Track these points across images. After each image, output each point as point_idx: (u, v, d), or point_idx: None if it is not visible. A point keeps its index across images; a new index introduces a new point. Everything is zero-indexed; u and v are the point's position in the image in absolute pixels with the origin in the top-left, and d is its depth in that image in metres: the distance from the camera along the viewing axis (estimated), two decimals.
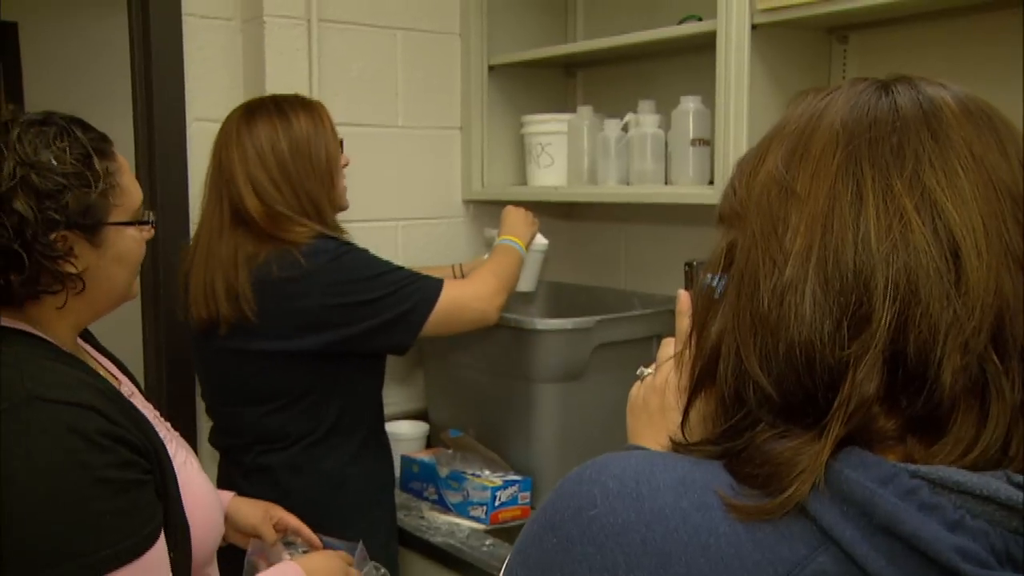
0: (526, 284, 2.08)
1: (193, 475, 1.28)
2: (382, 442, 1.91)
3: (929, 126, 0.60)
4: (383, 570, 1.54)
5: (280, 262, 1.66)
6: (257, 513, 1.57)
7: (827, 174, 0.60)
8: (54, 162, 1.12)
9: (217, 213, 1.73)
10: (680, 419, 0.67)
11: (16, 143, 1.10)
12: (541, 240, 2.09)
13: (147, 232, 1.27)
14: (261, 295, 1.66)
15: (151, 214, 1.28)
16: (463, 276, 2.19)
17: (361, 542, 1.56)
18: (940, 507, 0.53)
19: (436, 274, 1.82)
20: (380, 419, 1.90)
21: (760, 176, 0.64)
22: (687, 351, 0.68)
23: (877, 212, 0.58)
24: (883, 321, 0.56)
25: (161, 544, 1.10)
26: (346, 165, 1.83)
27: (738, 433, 0.61)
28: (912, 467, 0.55)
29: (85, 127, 1.19)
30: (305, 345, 1.68)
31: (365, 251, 1.74)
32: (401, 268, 1.76)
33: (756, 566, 0.55)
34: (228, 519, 1.54)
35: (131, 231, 1.22)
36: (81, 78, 3.95)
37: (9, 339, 1.11)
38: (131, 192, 1.23)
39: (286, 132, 1.72)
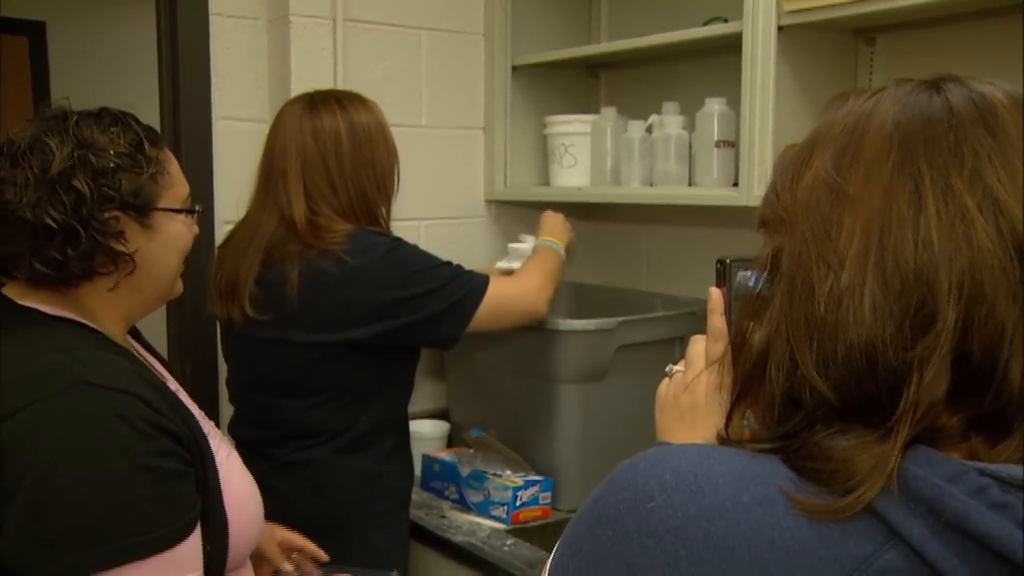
0: None
1: (235, 472, 1.28)
2: (408, 443, 1.92)
3: (985, 123, 0.59)
4: None
5: (334, 256, 1.66)
6: (264, 540, 1.51)
7: (881, 175, 0.59)
8: (109, 145, 1.17)
9: (259, 207, 1.75)
10: (719, 419, 0.66)
11: (74, 127, 1.16)
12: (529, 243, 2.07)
13: (194, 226, 1.30)
14: (312, 286, 1.66)
15: (198, 206, 1.32)
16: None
17: (396, 571, 1.55)
18: (1010, 505, 0.53)
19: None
20: (407, 420, 1.91)
21: (806, 179, 0.63)
22: (725, 350, 0.67)
23: (938, 211, 0.57)
24: (948, 321, 0.55)
25: (196, 536, 1.11)
26: None
27: (794, 434, 0.60)
28: (980, 465, 0.54)
29: (136, 120, 1.25)
30: (355, 336, 1.68)
31: (415, 246, 1.76)
32: (449, 262, 1.77)
33: (821, 561, 0.55)
34: None
35: (180, 218, 1.26)
36: (107, 76, 3.99)
37: (60, 327, 1.14)
38: (179, 181, 1.27)
39: (349, 128, 1.73)
